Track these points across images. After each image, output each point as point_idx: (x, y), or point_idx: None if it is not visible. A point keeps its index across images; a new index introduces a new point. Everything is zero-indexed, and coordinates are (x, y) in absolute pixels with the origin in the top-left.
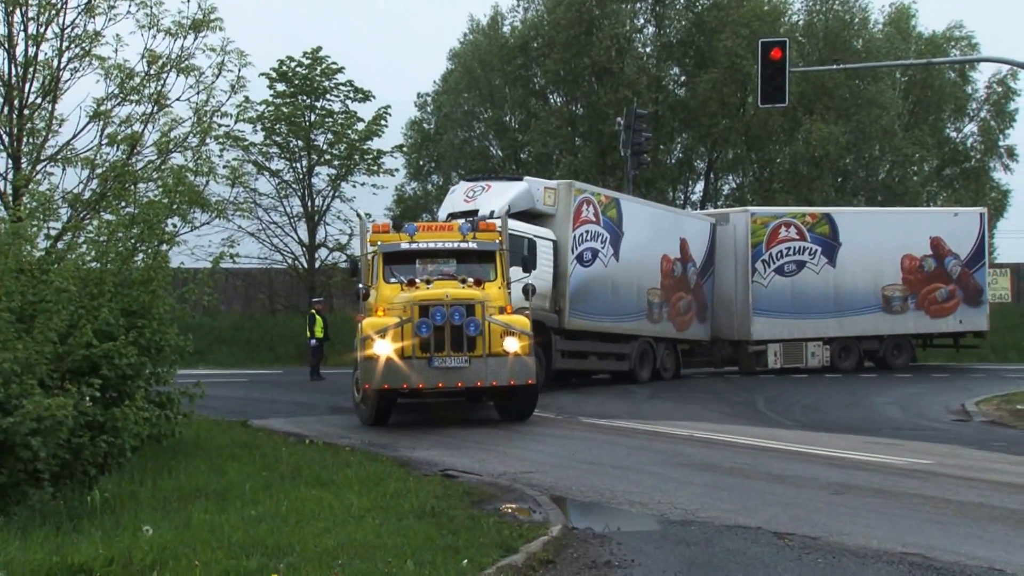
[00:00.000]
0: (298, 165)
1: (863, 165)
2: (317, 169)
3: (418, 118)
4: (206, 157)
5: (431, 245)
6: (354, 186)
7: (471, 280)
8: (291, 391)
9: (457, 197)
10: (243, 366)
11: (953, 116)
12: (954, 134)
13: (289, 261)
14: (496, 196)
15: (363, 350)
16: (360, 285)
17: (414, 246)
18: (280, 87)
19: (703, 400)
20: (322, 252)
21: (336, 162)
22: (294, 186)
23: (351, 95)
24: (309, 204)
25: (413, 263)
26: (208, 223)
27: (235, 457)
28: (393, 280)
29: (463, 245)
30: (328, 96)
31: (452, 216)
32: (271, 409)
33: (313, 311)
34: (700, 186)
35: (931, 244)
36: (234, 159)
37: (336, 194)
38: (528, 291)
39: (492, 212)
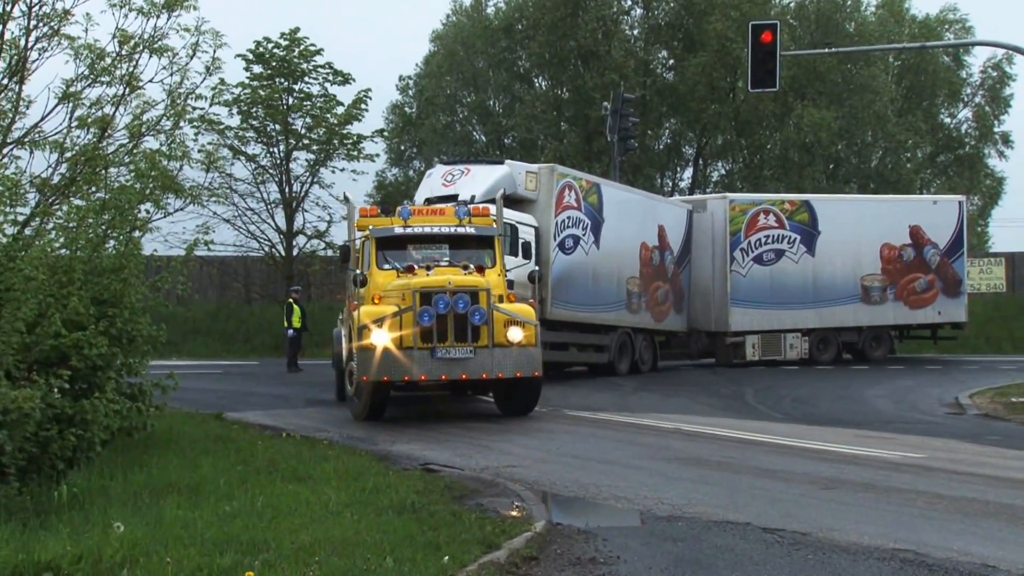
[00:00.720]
0: (275, 150)
1: (855, 152)
2: (295, 154)
3: (399, 102)
4: (180, 141)
5: (427, 230)
6: (333, 172)
7: (472, 267)
8: (267, 383)
9: (435, 181)
10: (218, 357)
11: (947, 101)
12: (948, 120)
13: (266, 249)
14: (476, 180)
15: (359, 340)
16: (357, 272)
17: (409, 230)
18: (257, 69)
19: (691, 393)
20: (300, 240)
21: (315, 147)
22: (271, 171)
23: (330, 78)
24: (287, 190)
25: (405, 248)
26: (182, 209)
27: (209, 451)
28: (387, 266)
29: (460, 230)
30: (306, 79)
31: (429, 201)
32: (247, 402)
33: (290, 300)
34: (689, 173)
35: (910, 233)
36: (209, 143)
37: (315, 180)
38: (534, 278)
39: (473, 197)
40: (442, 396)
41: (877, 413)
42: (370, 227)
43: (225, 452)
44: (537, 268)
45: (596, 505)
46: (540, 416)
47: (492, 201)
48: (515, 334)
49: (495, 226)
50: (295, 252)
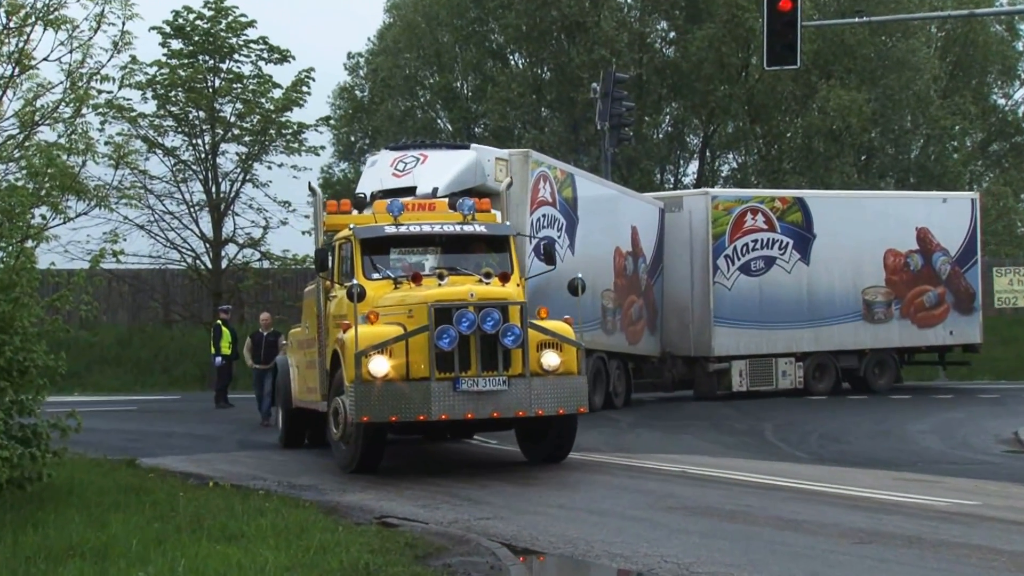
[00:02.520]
0: (199, 141)
1: (892, 140)
2: (223, 147)
3: (348, 84)
4: (83, 131)
5: (426, 228)
6: (270, 167)
7: (495, 275)
8: (191, 421)
9: (382, 171)
10: (131, 391)
11: (1000, 79)
12: (1002, 101)
13: (189, 260)
14: (437, 169)
15: (357, 369)
16: (353, 282)
17: (403, 230)
18: (176, 45)
19: (699, 428)
20: (230, 249)
21: (247, 138)
22: (194, 167)
23: (265, 55)
24: (213, 190)
25: (387, 253)
26: (86, 213)
27: (119, 505)
28: (377, 276)
29: (467, 228)
30: (236, 56)
31: (374, 197)
32: (166, 444)
33: (219, 322)
34: (694, 166)
35: (917, 237)
36: (118, 134)
37: (247, 177)
38: (578, 288)
39: (435, 190)
40: (403, 437)
41: (922, 452)
42: (352, 226)
43: (139, 506)
44: (581, 276)
45: (587, 564)
46: (518, 457)
47: (464, 194)
48: (551, 359)
49: (508, 223)
50: (224, 264)
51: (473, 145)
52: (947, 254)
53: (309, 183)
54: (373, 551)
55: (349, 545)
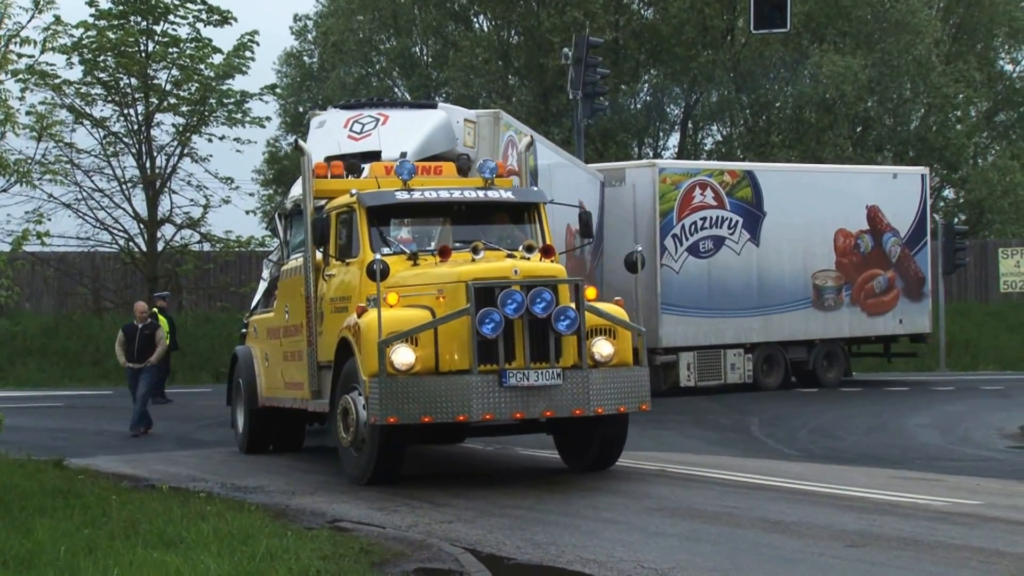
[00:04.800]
0: (131, 111)
1: (890, 110)
2: (158, 117)
3: (296, 49)
4: (1, 100)
5: (443, 195)
6: (210, 140)
7: (538, 248)
8: (124, 418)
9: (335, 133)
10: (57, 385)
11: (1008, 43)
12: (1009, 67)
13: (121, 242)
14: (402, 130)
15: (380, 363)
16: (377, 257)
17: (416, 196)
18: (104, 4)
19: (679, 424)
20: (167, 230)
21: (184, 108)
22: (126, 140)
23: (204, 16)
24: (148, 165)
25: (388, 224)
26: (5, 190)
27: (45, 510)
28: (387, 250)
29: (491, 195)
30: (172, 17)
31: (330, 160)
32: (96, 443)
33: (155, 310)
34: (675, 139)
35: (868, 216)
36: (41, 103)
37: (185, 151)
38: (637, 263)
39: (403, 154)
40: None
41: (919, 448)
42: (355, 192)
43: (67, 510)
44: (640, 248)
45: (557, 571)
46: (484, 456)
47: (433, 159)
48: (604, 347)
49: (536, 189)
50: (160, 247)
51: (442, 104)
52: (897, 235)
53: (296, 140)
54: (325, 558)
55: (299, 551)
